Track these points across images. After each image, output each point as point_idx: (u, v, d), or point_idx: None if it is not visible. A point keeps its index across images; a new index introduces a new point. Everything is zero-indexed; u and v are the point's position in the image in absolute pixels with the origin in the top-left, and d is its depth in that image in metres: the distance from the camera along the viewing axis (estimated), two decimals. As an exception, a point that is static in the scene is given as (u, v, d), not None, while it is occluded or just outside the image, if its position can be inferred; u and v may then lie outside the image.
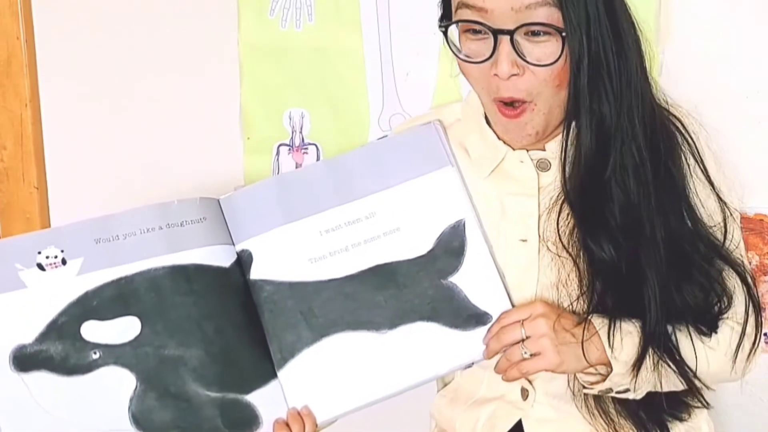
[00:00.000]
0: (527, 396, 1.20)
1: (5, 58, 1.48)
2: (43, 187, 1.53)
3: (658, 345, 1.10)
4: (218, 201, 1.18)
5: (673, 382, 1.14)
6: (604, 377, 1.11)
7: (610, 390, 1.12)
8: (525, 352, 1.08)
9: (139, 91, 1.50)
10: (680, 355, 1.12)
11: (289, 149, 1.49)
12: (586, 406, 1.17)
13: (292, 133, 1.49)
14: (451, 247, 1.16)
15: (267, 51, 1.46)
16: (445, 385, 1.30)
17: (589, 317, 1.11)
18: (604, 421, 1.17)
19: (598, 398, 1.17)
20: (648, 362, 1.10)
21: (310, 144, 1.48)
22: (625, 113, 1.10)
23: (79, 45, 1.48)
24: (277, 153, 1.49)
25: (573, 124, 1.12)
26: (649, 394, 1.15)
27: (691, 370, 1.12)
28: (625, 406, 1.17)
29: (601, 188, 1.11)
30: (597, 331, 1.10)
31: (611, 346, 1.09)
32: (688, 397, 1.20)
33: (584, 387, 1.14)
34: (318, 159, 1.48)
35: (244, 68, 1.47)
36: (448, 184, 1.18)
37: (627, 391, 1.12)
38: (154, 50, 1.48)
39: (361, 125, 1.46)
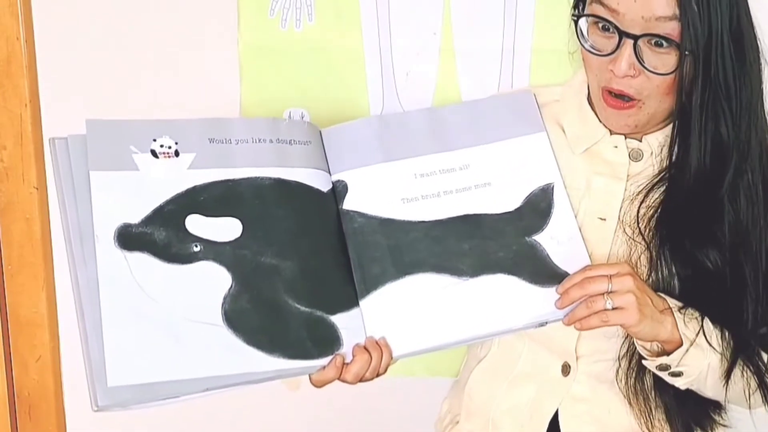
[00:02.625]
0: (568, 372, 1.23)
1: (5, 58, 1.47)
2: (43, 187, 1.52)
3: (749, 354, 1.15)
4: (320, 131, 1.21)
5: (713, 390, 1.17)
6: (666, 353, 1.14)
7: (668, 367, 1.15)
8: (609, 303, 1.10)
9: (139, 91, 1.50)
10: (764, 363, 1.16)
11: (290, 149, 1.49)
12: (627, 384, 1.21)
13: (293, 132, 1.49)
14: (538, 207, 1.20)
15: (267, 51, 1.46)
16: (480, 360, 1.32)
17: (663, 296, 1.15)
18: (641, 403, 1.21)
19: (638, 383, 1.21)
20: (715, 367, 1.14)
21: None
22: (743, 135, 1.15)
23: (79, 45, 1.48)
24: (278, 153, 1.49)
25: (679, 137, 1.16)
26: (685, 397, 1.19)
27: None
28: (662, 395, 1.21)
29: (713, 206, 1.16)
30: (671, 307, 1.13)
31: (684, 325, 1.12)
32: (717, 412, 1.25)
33: (642, 358, 1.17)
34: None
35: (244, 68, 1.47)
36: (541, 148, 1.23)
37: (680, 375, 1.15)
38: (153, 50, 1.48)
39: (361, 125, 1.46)
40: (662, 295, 1.15)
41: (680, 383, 1.16)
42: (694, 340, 1.13)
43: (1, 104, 1.49)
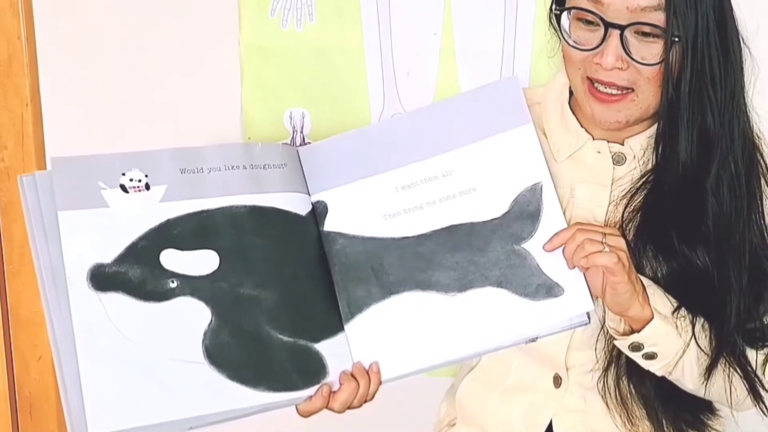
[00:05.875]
0: (560, 384, 1.22)
1: (6, 58, 1.48)
2: (43, 187, 1.52)
3: (732, 351, 1.14)
4: (297, 150, 1.18)
5: (693, 382, 1.15)
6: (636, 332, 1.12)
7: (641, 346, 1.12)
8: (606, 249, 1.07)
9: (139, 91, 1.50)
10: (749, 363, 1.15)
11: (290, 149, 1.49)
12: (605, 385, 1.19)
13: (293, 132, 1.49)
14: (526, 211, 1.14)
15: (268, 51, 1.46)
16: (471, 369, 1.31)
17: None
18: (619, 404, 1.19)
19: (617, 384, 1.19)
20: (692, 354, 1.13)
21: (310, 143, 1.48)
22: (727, 125, 1.14)
23: (80, 45, 1.48)
24: (278, 152, 1.50)
25: (666, 129, 1.14)
26: (669, 392, 1.17)
27: (758, 378, 1.16)
28: (641, 394, 1.18)
29: (698, 199, 1.14)
30: (645, 288, 1.11)
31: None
32: (707, 414, 1.24)
33: (614, 338, 1.14)
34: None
35: (244, 68, 1.47)
36: (527, 142, 1.17)
37: (654, 357, 1.13)
38: (154, 50, 1.48)
39: (361, 125, 1.45)
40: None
41: (656, 368, 1.14)
42: (675, 313, 1.12)
43: (2, 104, 1.50)
